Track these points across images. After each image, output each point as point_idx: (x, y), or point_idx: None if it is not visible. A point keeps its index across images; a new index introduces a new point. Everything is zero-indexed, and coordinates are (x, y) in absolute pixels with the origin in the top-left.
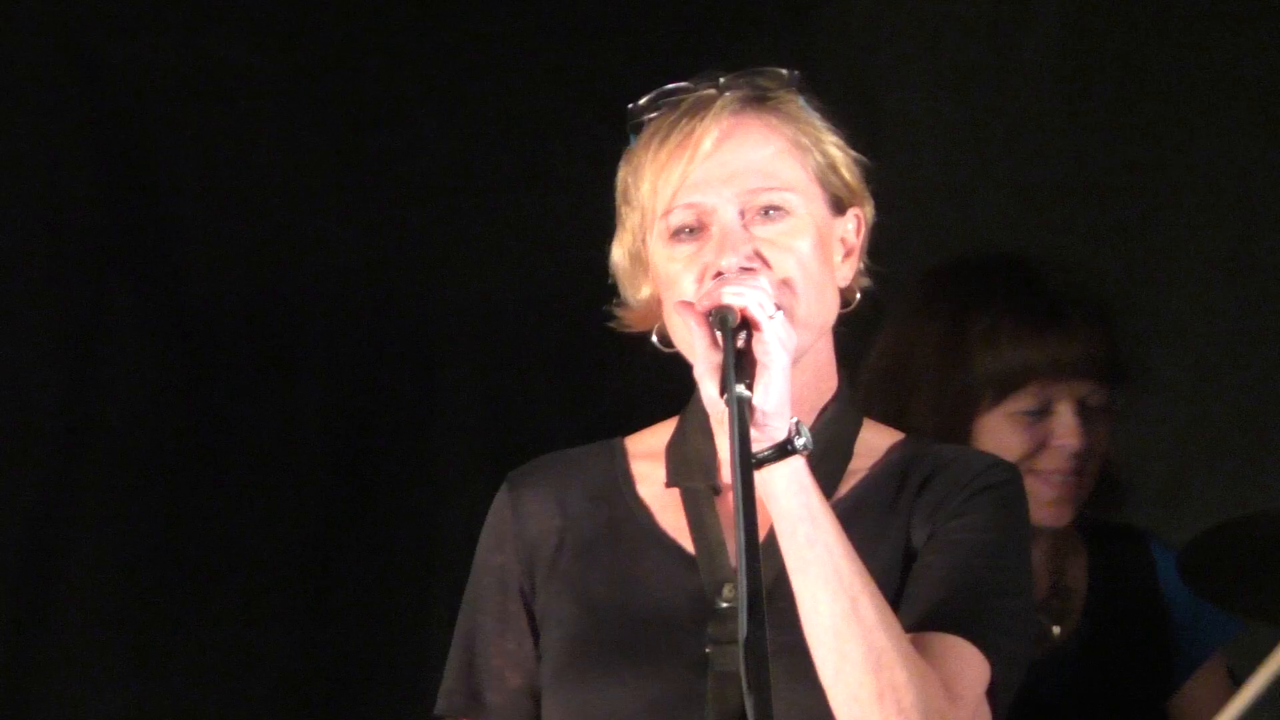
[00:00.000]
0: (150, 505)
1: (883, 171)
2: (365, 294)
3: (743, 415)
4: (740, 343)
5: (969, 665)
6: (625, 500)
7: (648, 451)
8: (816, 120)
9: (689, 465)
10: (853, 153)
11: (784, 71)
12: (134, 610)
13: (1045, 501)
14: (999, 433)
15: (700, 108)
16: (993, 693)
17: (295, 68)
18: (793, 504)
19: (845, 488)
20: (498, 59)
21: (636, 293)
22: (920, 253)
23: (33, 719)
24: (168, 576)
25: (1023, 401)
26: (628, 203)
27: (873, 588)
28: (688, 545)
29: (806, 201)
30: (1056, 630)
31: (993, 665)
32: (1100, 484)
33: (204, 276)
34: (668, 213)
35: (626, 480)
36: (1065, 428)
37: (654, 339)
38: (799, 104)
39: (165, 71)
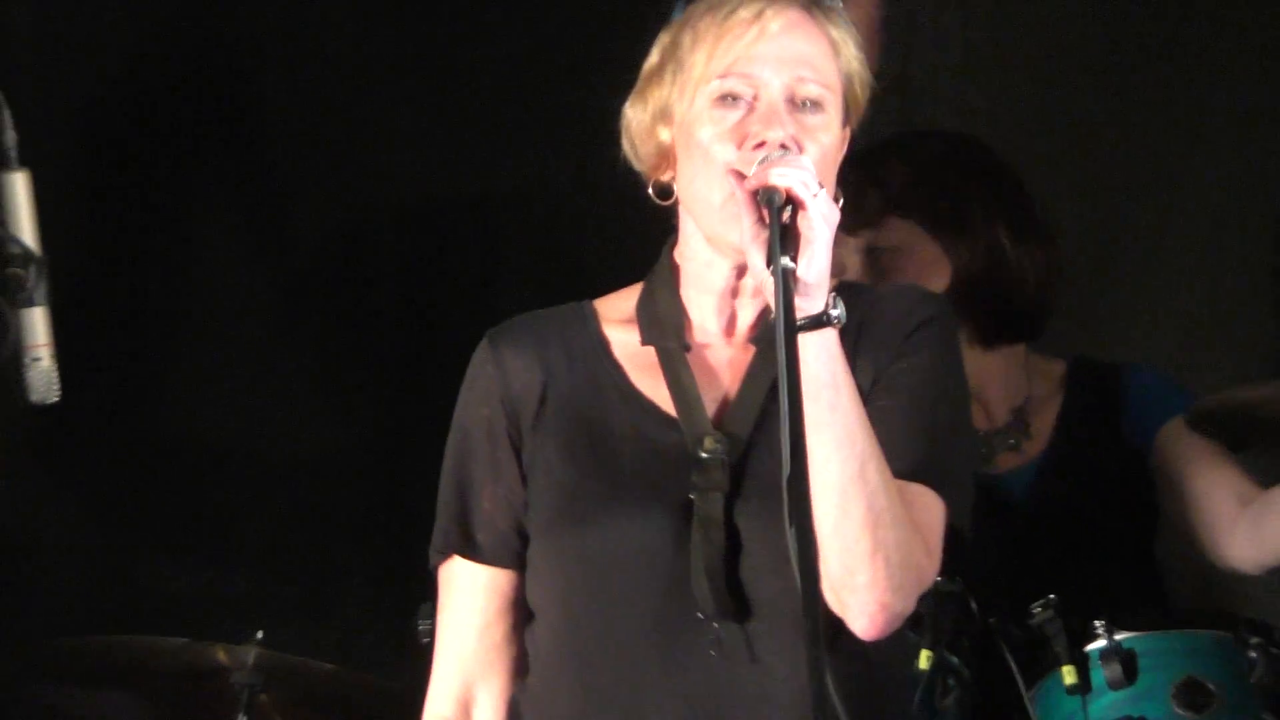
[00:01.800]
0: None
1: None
2: (435, 185)
3: (788, 285)
4: (785, 218)
5: (934, 514)
6: (601, 361)
7: (618, 316)
8: (850, 34)
9: (660, 325)
10: (868, 73)
11: None
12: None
13: None
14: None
15: None
16: (953, 535)
17: None
18: (822, 371)
19: None
20: None
21: (646, 146)
22: None
23: None
24: (252, 464)
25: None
26: (674, 60)
27: (879, 455)
28: (662, 403)
29: (836, 102)
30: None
31: (948, 508)
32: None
33: (288, 168)
34: (724, 77)
35: (601, 343)
36: None
37: (650, 191)
38: (841, 16)
39: None
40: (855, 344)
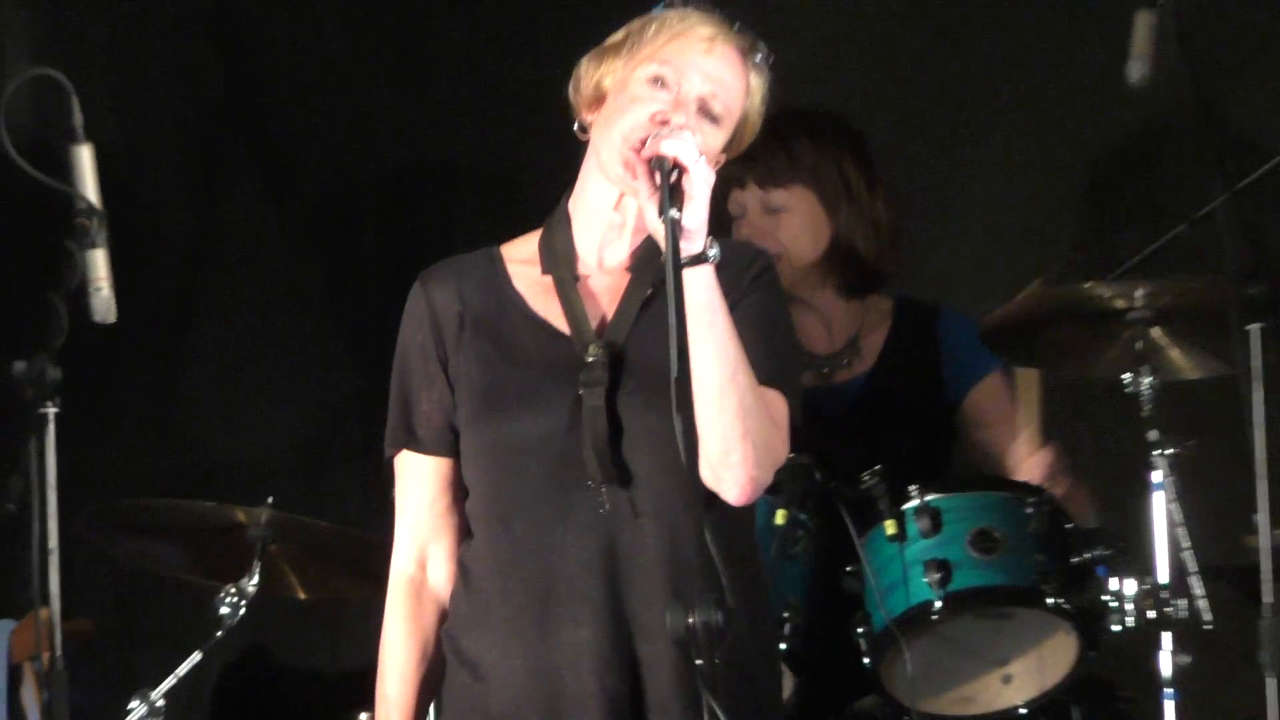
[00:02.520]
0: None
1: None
2: (409, 145)
3: (675, 226)
4: (673, 180)
5: (783, 409)
6: (506, 291)
7: (519, 256)
8: (764, 86)
9: (556, 258)
10: (759, 121)
11: (766, 49)
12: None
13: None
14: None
15: (723, 27)
16: (793, 425)
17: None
18: (702, 296)
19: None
20: None
21: (587, 88)
22: None
23: None
24: (268, 369)
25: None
26: (635, 38)
27: (746, 362)
28: (555, 320)
29: (729, 126)
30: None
31: (789, 404)
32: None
33: (297, 131)
34: (664, 64)
35: (505, 277)
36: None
37: (576, 126)
38: (763, 72)
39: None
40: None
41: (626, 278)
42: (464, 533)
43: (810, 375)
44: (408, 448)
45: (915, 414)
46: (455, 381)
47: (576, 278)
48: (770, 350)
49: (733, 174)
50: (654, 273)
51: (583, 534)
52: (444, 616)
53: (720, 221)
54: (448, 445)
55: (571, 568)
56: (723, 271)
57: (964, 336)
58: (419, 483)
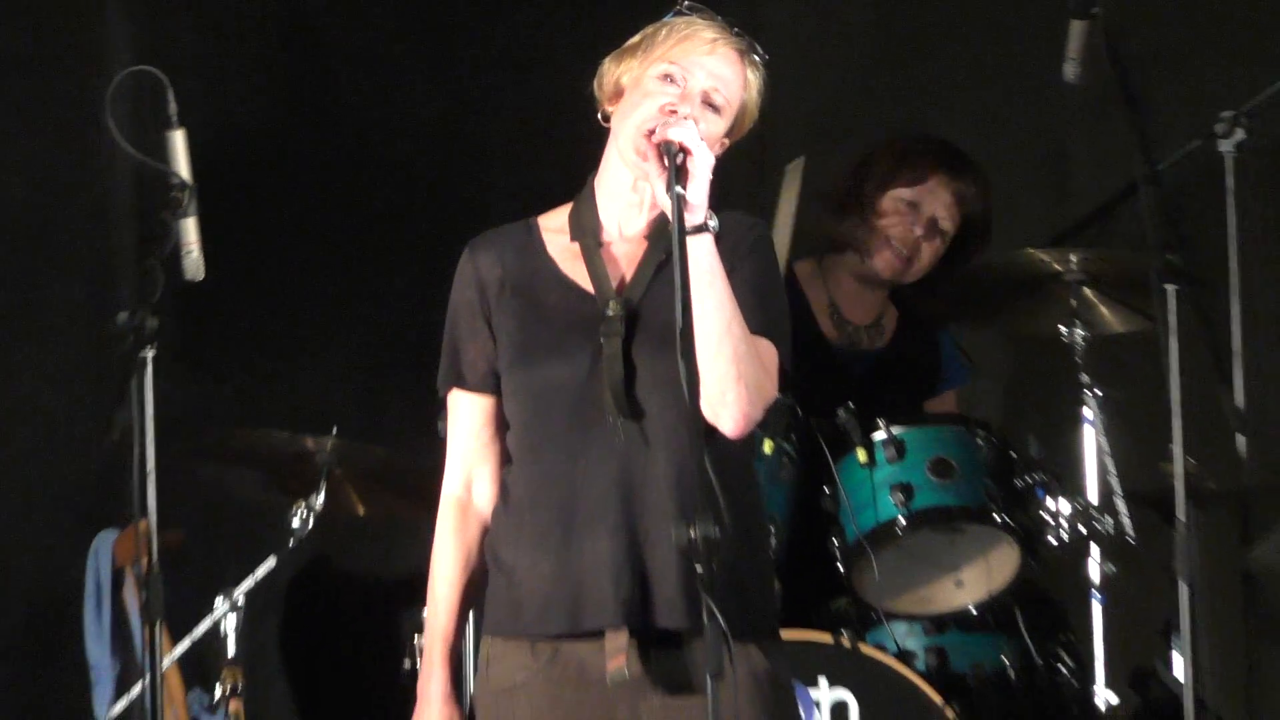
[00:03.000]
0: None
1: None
2: (455, 128)
3: (681, 200)
4: (678, 162)
5: (772, 357)
6: (540, 256)
7: (552, 226)
8: (760, 81)
9: (583, 229)
10: (758, 111)
11: (761, 51)
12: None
13: (885, 262)
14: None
15: (724, 31)
16: (781, 370)
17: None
18: (703, 260)
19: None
20: None
21: (608, 84)
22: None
23: None
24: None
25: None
26: (649, 41)
27: (740, 316)
28: (580, 281)
29: (729, 115)
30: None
31: (779, 351)
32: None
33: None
34: (673, 64)
35: (540, 244)
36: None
37: (600, 116)
38: (759, 68)
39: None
40: (726, 245)
41: (643, 245)
42: (504, 460)
43: (841, 334)
44: (457, 387)
45: (911, 386)
46: (497, 333)
47: (600, 245)
48: (763, 305)
49: (952, 185)
50: (666, 241)
51: (602, 462)
52: (485, 531)
53: (721, 196)
54: (491, 385)
55: (592, 490)
56: (724, 239)
57: (950, 348)
58: (466, 417)
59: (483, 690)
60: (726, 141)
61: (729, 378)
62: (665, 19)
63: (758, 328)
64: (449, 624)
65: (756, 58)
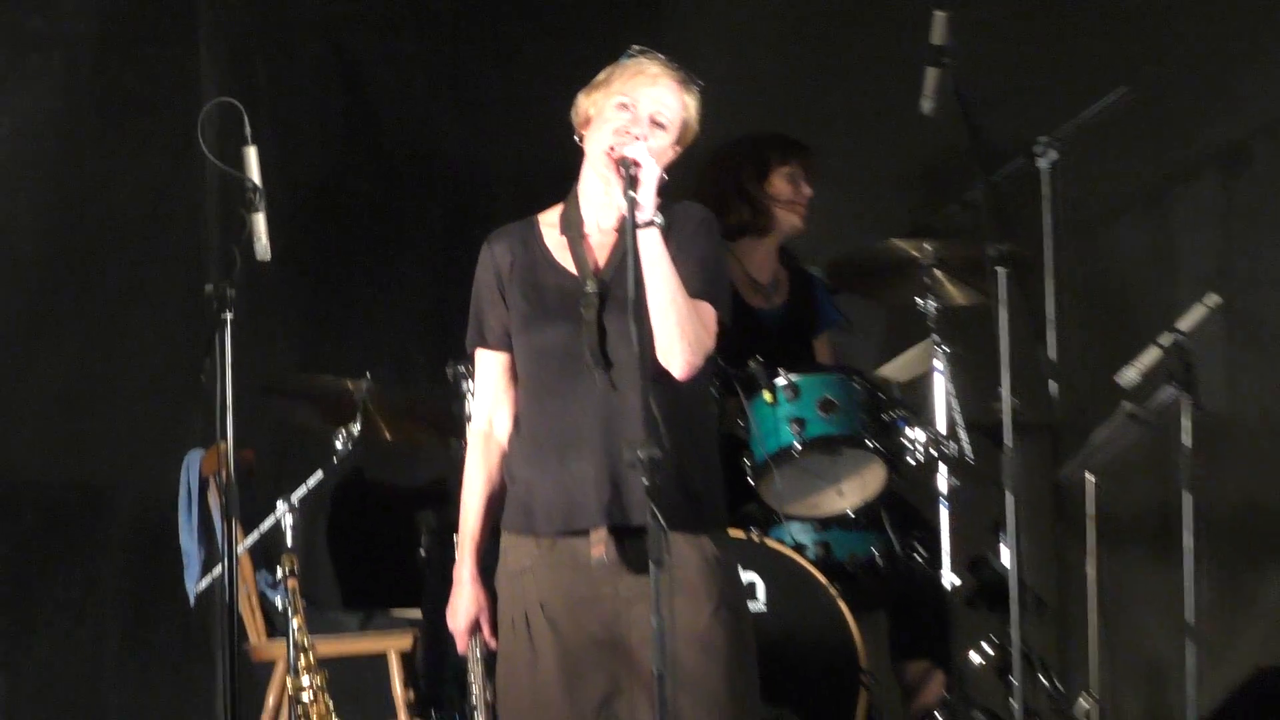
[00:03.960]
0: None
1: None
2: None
3: (633, 203)
4: (632, 171)
5: (712, 317)
6: (538, 247)
7: (548, 221)
8: (696, 102)
9: (569, 225)
10: (697, 126)
11: (697, 80)
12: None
13: (797, 221)
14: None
15: (665, 66)
16: (721, 326)
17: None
18: (652, 249)
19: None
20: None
21: (581, 113)
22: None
23: None
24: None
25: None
26: (608, 78)
27: (682, 289)
28: (568, 265)
29: (673, 132)
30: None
31: (719, 313)
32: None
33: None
34: (626, 94)
35: (539, 236)
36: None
37: (576, 138)
38: (694, 92)
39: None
40: (668, 231)
41: (614, 237)
42: (517, 401)
43: (759, 298)
44: (481, 346)
45: (804, 331)
46: (509, 305)
47: (582, 237)
48: (705, 275)
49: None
50: (619, 242)
51: (586, 402)
52: (503, 456)
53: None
54: (506, 345)
55: (579, 423)
56: (677, 224)
57: (823, 294)
58: (488, 370)
59: (501, 572)
60: (677, 149)
61: (674, 335)
62: (620, 59)
63: (699, 293)
64: (476, 526)
65: (693, 85)
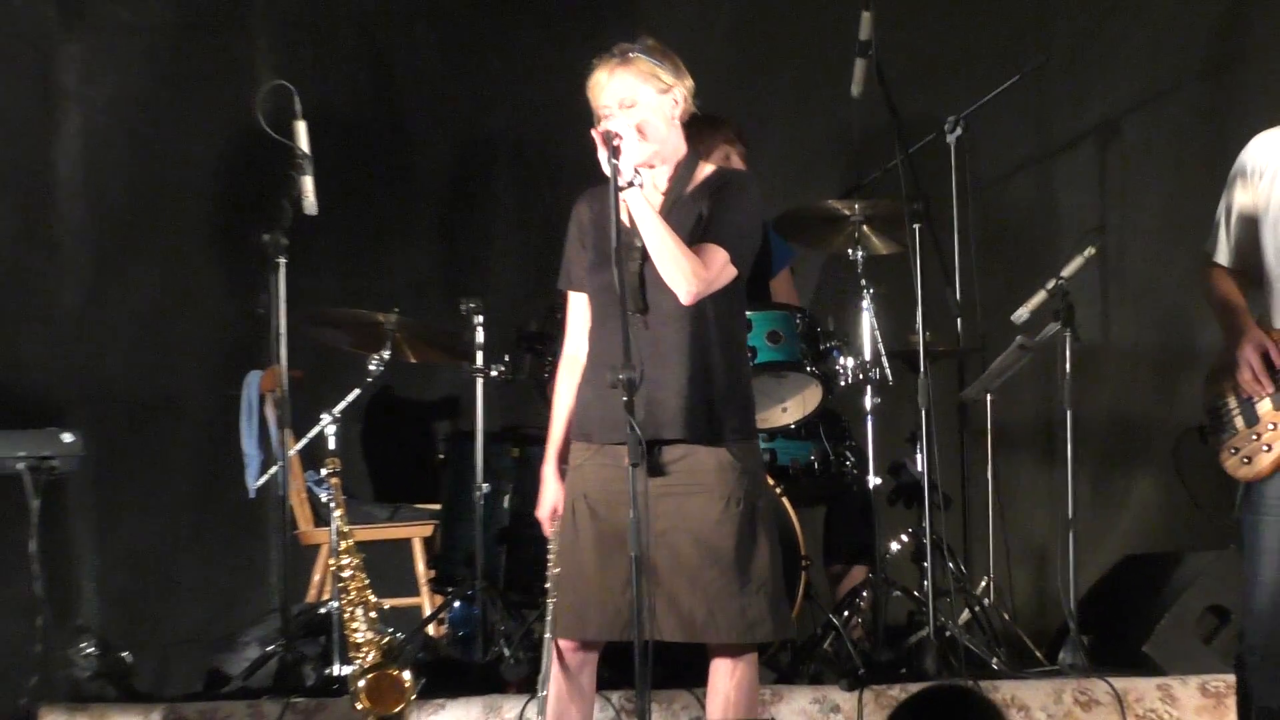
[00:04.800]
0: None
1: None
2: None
3: (615, 169)
4: (614, 143)
5: (717, 255)
6: (607, 206)
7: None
8: (650, 66)
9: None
10: (664, 71)
11: (632, 48)
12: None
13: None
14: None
15: (607, 62)
16: (734, 262)
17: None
18: (638, 206)
19: (688, 190)
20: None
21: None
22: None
23: None
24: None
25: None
26: (587, 93)
27: (669, 234)
28: (626, 223)
29: (642, 103)
30: None
31: (727, 253)
32: None
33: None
34: (598, 108)
35: (606, 198)
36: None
37: (593, 132)
38: (638, 59)
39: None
40: (708, 190)
41: (661, 198)
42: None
43: None
44: (569, 288)
45: (765, 270)
46: (586, 252)
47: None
48: (723, 228)
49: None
50: (675, 195)
51: (630, 333)
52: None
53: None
54: (584, 286)
55: (622, 352)
56: (726, 183)
57: (776, 241)
58: (575, 307)
59: (568, 468)
60: (674, 99)
61: (670, 269)
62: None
63: (714, 239)
64: (560, 434)
65: (632, 55)
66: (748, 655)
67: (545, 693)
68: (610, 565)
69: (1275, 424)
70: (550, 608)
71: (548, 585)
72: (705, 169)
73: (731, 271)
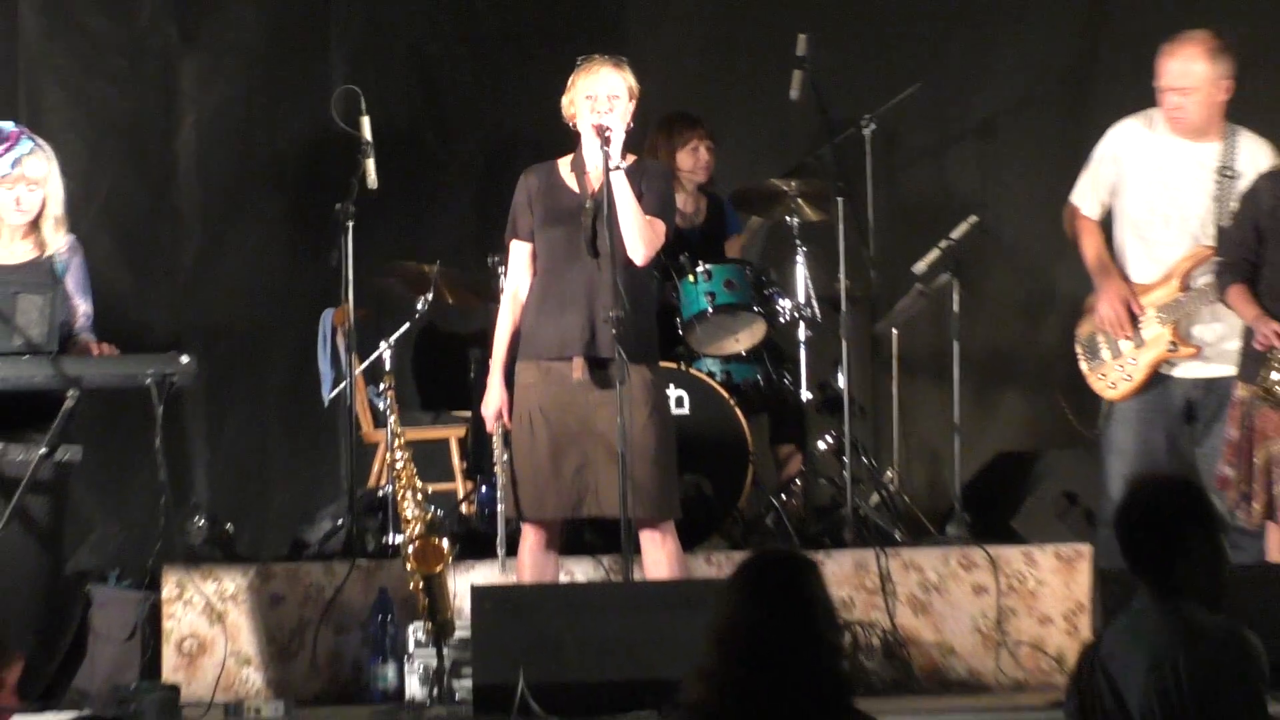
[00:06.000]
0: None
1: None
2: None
3: (607, 155)
4: (606, 134)
5: (660, 226)
6: (557, 176)
7: (563, 163)
8: (628, 72)
9: (578, 166)
10: (635, 84)
11: (621, 58)
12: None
13: (700, 179)
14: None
15: (602, 59)
16: (666, 235)
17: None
18: (620, 185)
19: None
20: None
21: (568, 109)
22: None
23: None
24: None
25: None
26: (573, 81)
27: (640, 210)
28: (575, 189)
29: (624, 97)
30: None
31: (666, 226)
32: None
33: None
34: (587, 90)
35: (557, 170)
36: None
37: (568, 122)
38: (624, 65)
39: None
40: (640, 176)
41: (602, 175)
42: (533, 275)
43: (684, 222)
44: (515, 238)
45: (719, 239)
46: (533, 213)
47: (584, 173)
48: (659, 204)
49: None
50: (605, 175)
51: (576, 275)
52: (521, 308)
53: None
54: (529, 238)
55: (571, 290)
56: (648, 172)
57: (730, 213)
58: (517, 254)
59: (516, 385)
60: (632, 103)
61: (635, 237)
62: (576, 68)
63: (655, 213)
64: (503, 352)
65: (622, 62)
66: (668, 527)
67: (503, 552)
68: (561, 460)
69: (1135, 359)
70: (500, 485)
71: (496, 468)
72: (626, 155)
73: (663, 238)
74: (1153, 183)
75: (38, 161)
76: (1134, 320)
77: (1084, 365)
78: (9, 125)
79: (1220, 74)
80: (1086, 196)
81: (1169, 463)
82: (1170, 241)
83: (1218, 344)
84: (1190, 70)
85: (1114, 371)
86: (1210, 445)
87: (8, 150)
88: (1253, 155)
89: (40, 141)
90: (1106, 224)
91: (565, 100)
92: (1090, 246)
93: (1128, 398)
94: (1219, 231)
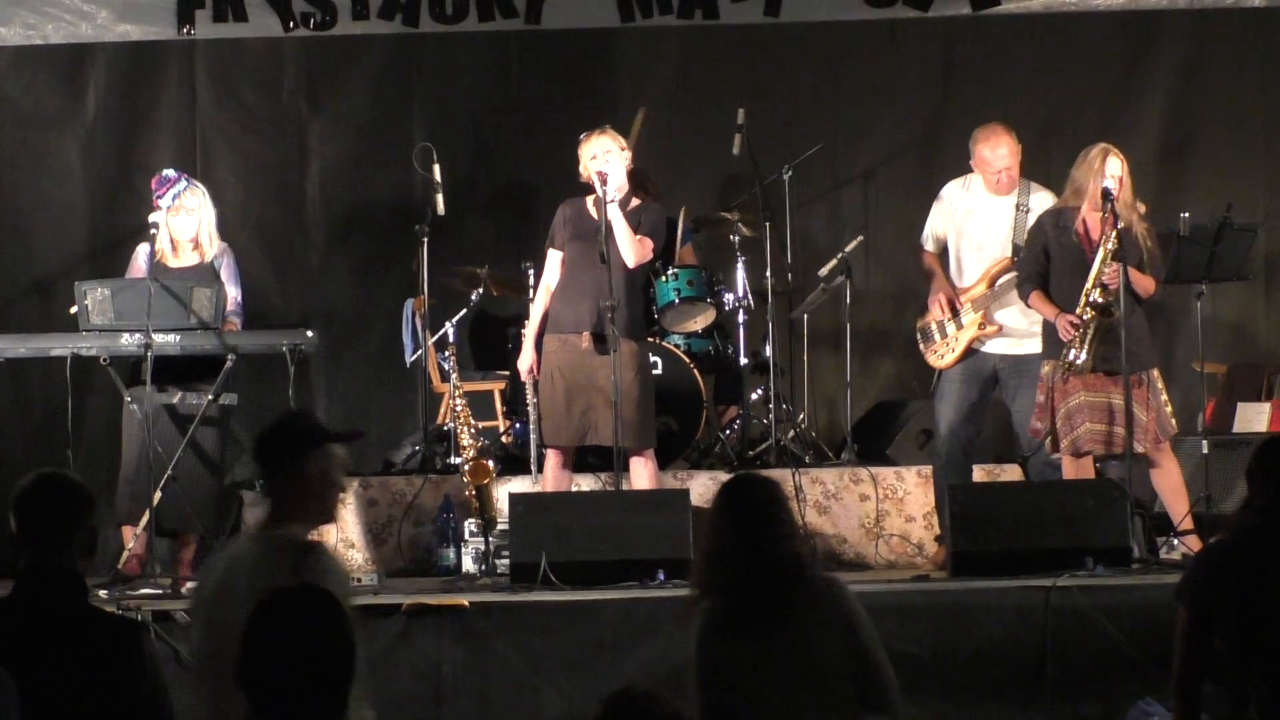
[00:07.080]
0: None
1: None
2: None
3: (604, 192)
4: (603, 178)
5: (649, 244)
6: (583, 207)
7: (588, 198)
8: (618, 137)
9: (597, 202)
10: (625, 142)
11: (611, 129)
12: None
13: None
14: None
15: (599, 133)
16: (654, 248)
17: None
18: (616, 217)
19: (629, 209)
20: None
21: (582, 167)
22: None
23: None
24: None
25: None
26: (580, 150)
27: (632, 233)
28: (594, 216)
29: (615, 153)
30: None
31: (655, 243)
32: None
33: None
34: (590, 153)
35: (583, 203)
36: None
37: (583, 177)
38: (611, 133)
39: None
40: (639, 213)
41: (619, 210)
42: (561, 273)
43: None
44: (550, 248)
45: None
46: (566, 231)
47: (599, 206)
48: (649, 225)
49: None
50: (623, 210)
51: (588, 276)
52: (551, 294)
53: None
54: (561, 248)
55: (584, 286)
56: (647, 211)
57: (687, 228)
58: (552, 259)
59: (544, 350)
60: (626, 156)
61: (627, 250)
62: (580, 140)
63: (646, 233)
64: (536, 325)
65: (607, 129)
66: (648, 453)
67: (534, 469)
68: (572, 404)
69: (956, 338)
70: (530, 422)
71: (528, 409)
72: (635, 200)
73: (651, 253)
74: (970, 224)
75: (193, 196)
76: (955, 312)
77: (921, 346)
78: (172, 172)
79: (1019, 148)
80: (927, 238)
81: (979, 411)
82: (983, 260)
83: (1027, 330)
84: (1012, 151)
85: (943, 347)
86: (1019, 406)
87: (170, 188)
88: (1040, 199)
89: (194, 181)
90: (945, 251)
91: (580, 165)
92: (926, 262)
93: (952, 366)
94: (1016, 250)
